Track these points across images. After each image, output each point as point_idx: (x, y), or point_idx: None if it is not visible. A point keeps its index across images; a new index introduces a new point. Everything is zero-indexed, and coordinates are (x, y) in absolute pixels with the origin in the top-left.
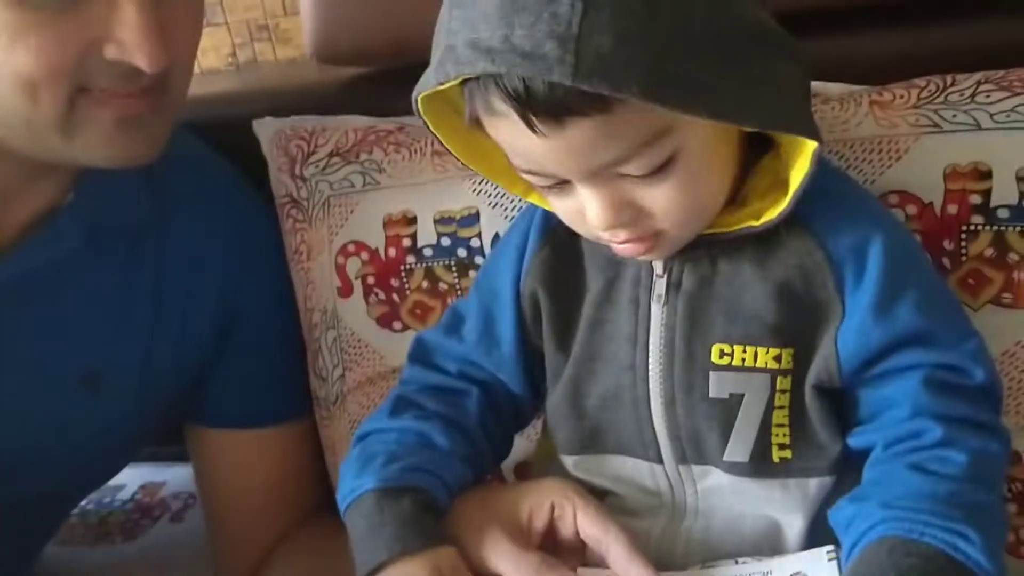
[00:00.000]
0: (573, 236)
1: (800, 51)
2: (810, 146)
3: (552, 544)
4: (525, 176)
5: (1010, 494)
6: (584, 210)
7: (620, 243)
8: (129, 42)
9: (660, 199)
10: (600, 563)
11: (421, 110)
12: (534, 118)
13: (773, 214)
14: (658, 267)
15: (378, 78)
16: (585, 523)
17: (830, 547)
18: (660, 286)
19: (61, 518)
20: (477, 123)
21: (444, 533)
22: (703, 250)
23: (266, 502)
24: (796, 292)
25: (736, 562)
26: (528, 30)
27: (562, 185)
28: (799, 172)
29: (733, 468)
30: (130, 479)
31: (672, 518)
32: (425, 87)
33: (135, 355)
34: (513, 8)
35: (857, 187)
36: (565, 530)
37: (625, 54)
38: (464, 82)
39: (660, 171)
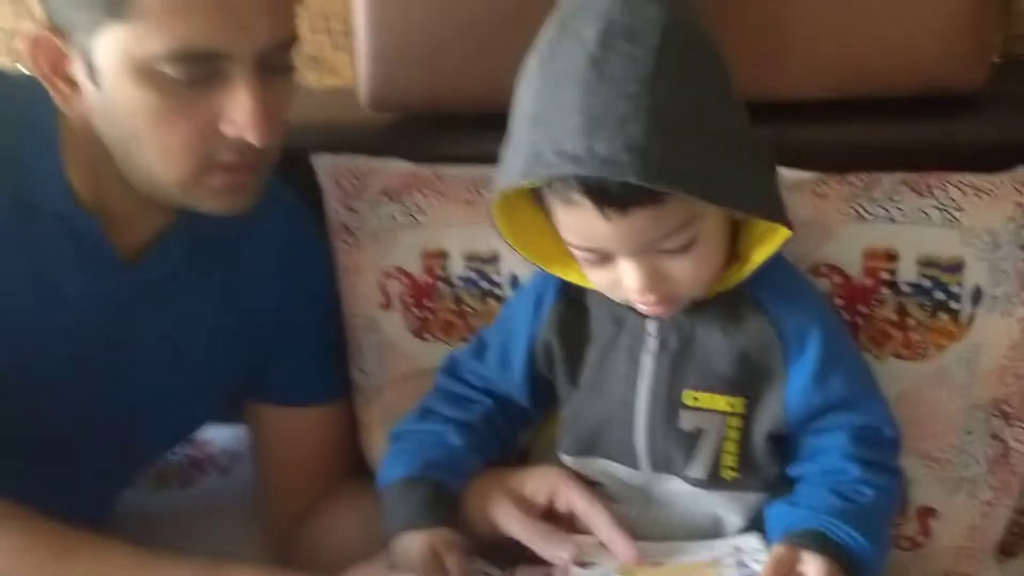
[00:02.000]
0: (580, 295)
1: (763, 145)
2: (783, 233)
3: (547, 516)
4: (576, 252)
5: None
6: (621, 279)
7: (648, 304)
8: (242, 122)
9: (684, 269)
10: (586, 534)
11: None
12: (606, 208)
13: (736, 279)
14: (651, 329)
15: (417, 121)
16: (577, 500)
17: (759, 534)
18: (652, 344)
19: (133, 475)
20: (545, 206)
21: (446, 517)
22: (686, 318)
23: (309, 465)
24: (752, 358)
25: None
26: (607, 143)
27: (604, 260)
28: (765, 250)
29: (693, 481)
30: None
31: (642, 507)
32: (510, 184)
33: (212, 343)
34: (594, 127)
35: (801, 277)
36: (560, 505)
37: (677, 161)
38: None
39: (686, 247)
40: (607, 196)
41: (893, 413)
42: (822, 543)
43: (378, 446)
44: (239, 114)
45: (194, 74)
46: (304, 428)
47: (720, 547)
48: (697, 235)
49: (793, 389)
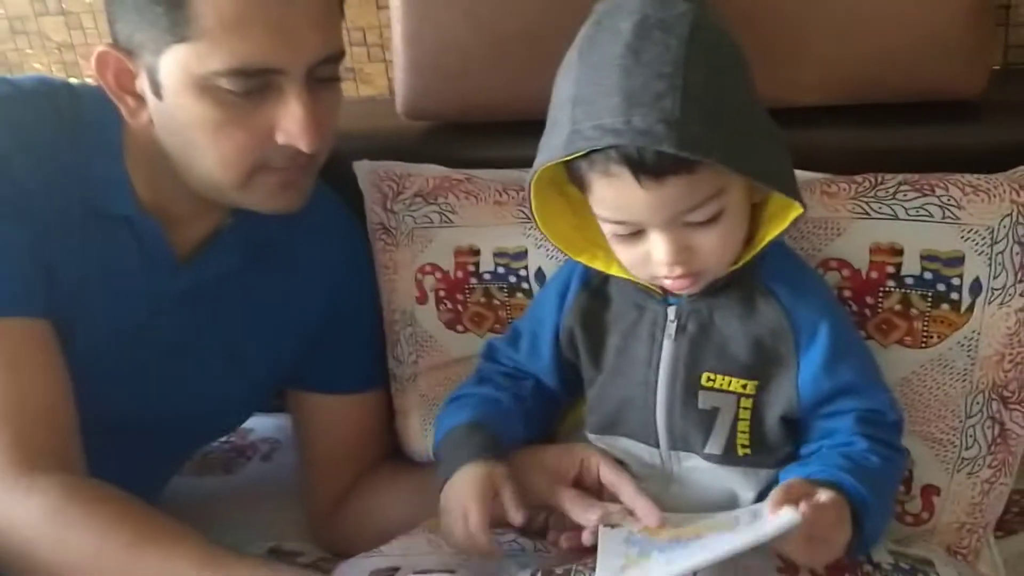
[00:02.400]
0: (602, 285)
1: (779, 132)
2: (795, 211)
3: (577, 488)
4: (608, 228)
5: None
6: (650, 253)
7: (675, 278)
8: (294, 132)
9: (710, 242)
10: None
11: (533, 190)
12: (643, 177)
13: (750, 256)
14: (671, 315)
15: (448, 128)
16: (605, 471)
17: (791, 527)
18: (672, 328)
19: (188, 458)
20: (583, 186)
21: (503, 458)
22: (704, 305)
23: (348, 450)
24: (765, 345)
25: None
26: (643, 117)
27: (635, 235)
28: (777, 227)
29: (710, 457)
30: None
31: (662, 484)
32: (551, 158)
33: (265, 338)
34: (631, 104)
35: (811, 271)
36: (589, 477)
37: (708, 134)
38: (585, 156)
39: (713, 220)
40: (643, 166)
41: (895, 398)
42: (832, 487)
43: (414, 430)
44: (291, 124)
45: (250, 87)
46: (346, 414)
47: (736, 512)
48: (724, 209)
49: (804, 376)
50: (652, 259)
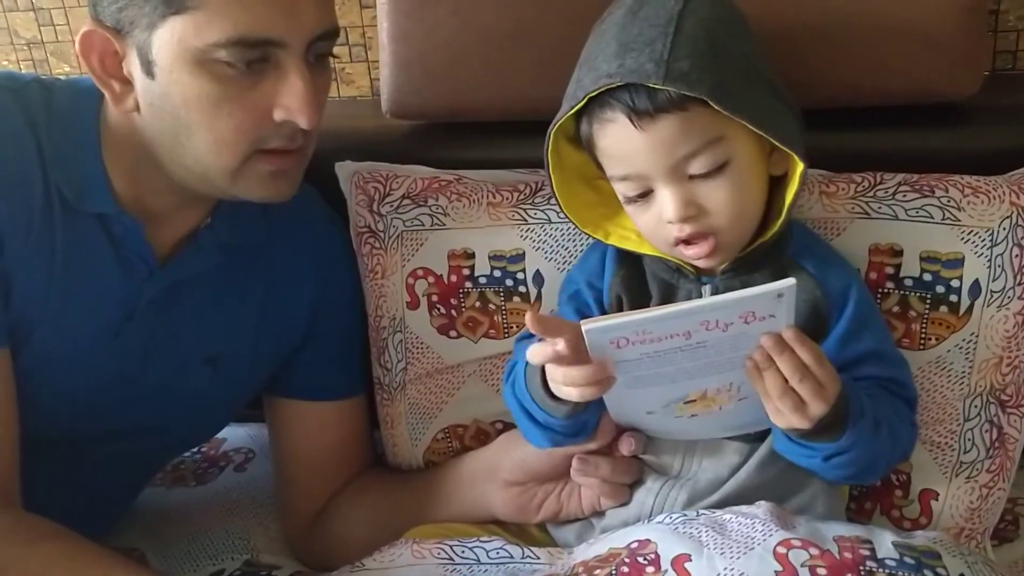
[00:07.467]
0: (637, 262)
1: (793, 101)
2: (798, 168)
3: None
4: (621, 188)
5: (896, 482)
6: (662, 213)
7: (687, 238)
8: (294, 107)
9: (718, 196)
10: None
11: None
12: (635, 117)
13: (774, 229)
14: (706, 293)
15: (432, 128)
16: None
17: (780, 289)
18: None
19: (162, 467)
20: (590, 144)
21: None
22: (738, 282)
23: (329, 459)
24: (801, 313)
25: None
26: (635, 59)
27: (645, 196)
28: (791, 191)
29: (745, 436)
30: None
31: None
32: (560, 116)
33: (246, 342)
34: (624, 49)
35: (835, 250)
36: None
37: (697, 73)
38: (587, 111)
39: (717, 172)
40: (635, 105)
41: (911, 375)
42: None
43: (401, 439)
44: (291, 100)
45: (249, 60)
46: (324, 422)
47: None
48: (728, 159)
49: (834, 339)
50: (662, 219)
